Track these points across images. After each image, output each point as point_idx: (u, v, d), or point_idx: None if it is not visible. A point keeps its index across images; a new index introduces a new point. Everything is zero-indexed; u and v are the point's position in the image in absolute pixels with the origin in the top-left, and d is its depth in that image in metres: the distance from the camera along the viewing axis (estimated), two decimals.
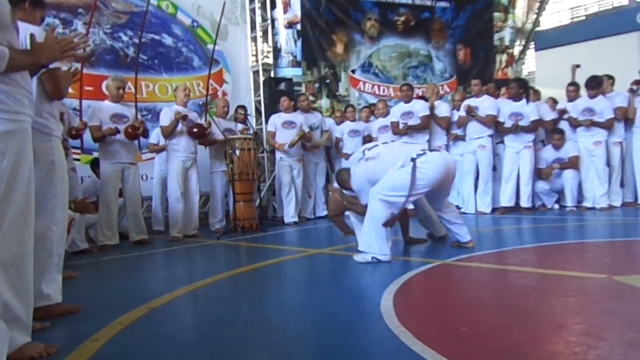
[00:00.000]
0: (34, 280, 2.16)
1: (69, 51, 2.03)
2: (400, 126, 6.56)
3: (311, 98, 8.64)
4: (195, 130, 5.55)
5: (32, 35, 2.00)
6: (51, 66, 2.30)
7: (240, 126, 6.44)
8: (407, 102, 6.70)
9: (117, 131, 4.95)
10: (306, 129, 6.55)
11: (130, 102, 5.37)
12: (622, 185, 6.52)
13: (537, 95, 7.06)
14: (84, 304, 2.55)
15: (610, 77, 6.58)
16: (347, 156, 6.97)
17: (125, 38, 6.94)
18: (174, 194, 5.50)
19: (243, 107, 6.79)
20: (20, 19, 2.24)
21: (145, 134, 5.38)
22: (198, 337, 2.02)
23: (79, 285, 3.25)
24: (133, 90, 5.64)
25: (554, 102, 7.20)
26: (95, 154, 5.73)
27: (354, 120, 7.24)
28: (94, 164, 5.71)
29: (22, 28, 2.11)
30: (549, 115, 6.62)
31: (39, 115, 2.33)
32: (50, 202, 2.36)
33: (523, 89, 6.52)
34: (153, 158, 6.59)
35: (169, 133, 5.49)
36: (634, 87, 6.30)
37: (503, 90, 6.98)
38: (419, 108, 6.61)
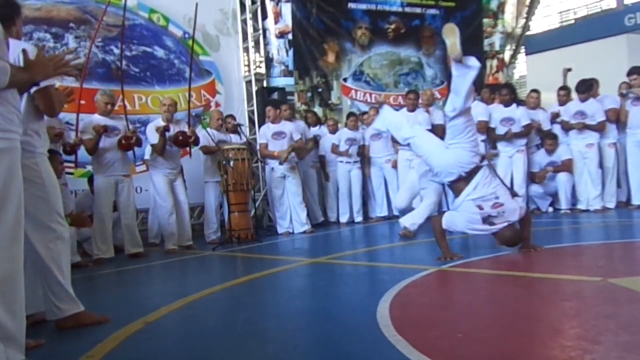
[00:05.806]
0: (47, 293, 2.34)
1: (61, 68, 2.03)
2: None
3: (304, 107, 8.67)
4: (180, 138, 5.48)
5: (24, 52, 1.99)
6: (44, 83, 2.25)
7: (234, 137, 6.43)
8: (411, 110, 6.58)
9: (105, 129, 4.95)
10: (297, 137, 6.53)
11: (121, 115, 5.36)
12: (619, 186, 6.55)
13: (538, 96, 6.93)
14: None
15: (596, 81, 6.62)
16: (346, 152, 6.99)
17: (116, 51, 6.90)
18: (165, 208, 5.44)
19: (232, 117, 6.81)
20: (12, 37, 2.22)
21: (139, 143, 5.37)
22: (194, 350, 2.01)
23: None
24: (125, 102, 5.63)
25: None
26: (89, 167, 5.69)
27: (352, 129, 7.21)
28: (92, 179, 5.64)
29: (12, 45, 2.09)
30: (547, 125, 6.67)
31: (23, 133, 2.30)
32: (49, 217, 2.33)
33: (513, 94, 6.57)
34: (147, 170, 6.54)
35: (161, 149, 5.42)
36: (624, 91, 6.35)
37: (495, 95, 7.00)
38: (422, 120, 6.55)
